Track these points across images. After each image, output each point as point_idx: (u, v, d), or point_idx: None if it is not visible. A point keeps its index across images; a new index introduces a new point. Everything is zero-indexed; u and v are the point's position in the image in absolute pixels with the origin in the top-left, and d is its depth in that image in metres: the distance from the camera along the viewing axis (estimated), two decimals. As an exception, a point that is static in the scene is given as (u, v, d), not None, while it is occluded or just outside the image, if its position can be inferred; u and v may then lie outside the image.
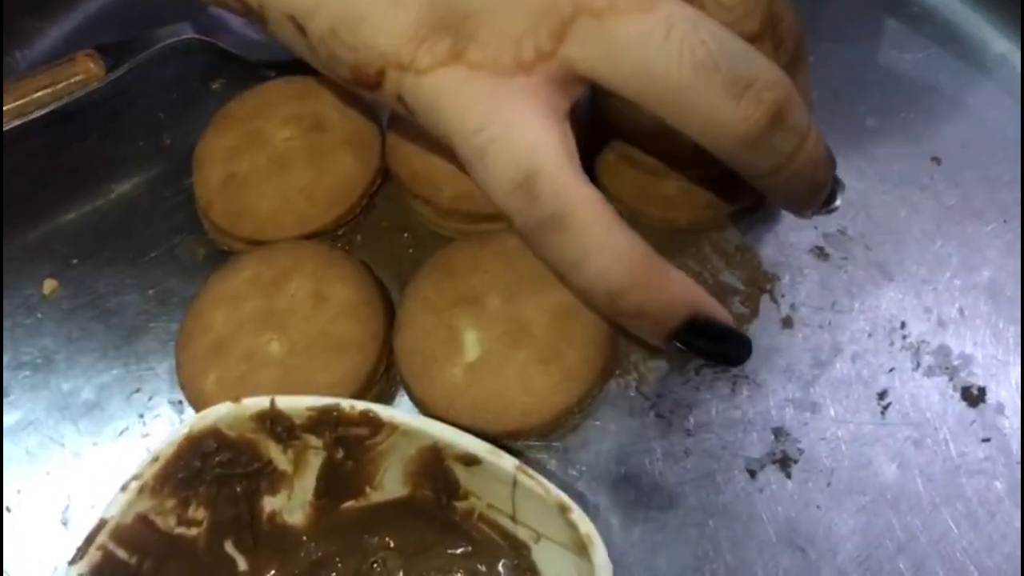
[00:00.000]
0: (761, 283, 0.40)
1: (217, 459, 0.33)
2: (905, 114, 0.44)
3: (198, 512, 0.33)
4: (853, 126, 0.44)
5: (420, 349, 0.37)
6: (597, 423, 0.38)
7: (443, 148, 0.35)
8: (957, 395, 0.38)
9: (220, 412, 0.33)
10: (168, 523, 0.33)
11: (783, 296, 0.40)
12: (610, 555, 0.31)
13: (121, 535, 0.31)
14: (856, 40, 0.47)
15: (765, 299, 0.40)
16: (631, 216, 0.42)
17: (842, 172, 0.42)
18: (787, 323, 0.39)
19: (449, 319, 0.37)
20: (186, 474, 0.33)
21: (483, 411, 0.36)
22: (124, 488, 0.32)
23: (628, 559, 0.35)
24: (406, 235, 0.42)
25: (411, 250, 0.42)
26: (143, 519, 0.32)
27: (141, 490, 0.32)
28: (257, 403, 0.33)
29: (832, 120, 0.44)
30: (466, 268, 0.38)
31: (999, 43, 0.46)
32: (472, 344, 0.36)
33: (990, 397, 0.37)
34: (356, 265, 0.40)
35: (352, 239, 0.42)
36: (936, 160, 0.43)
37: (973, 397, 0.37)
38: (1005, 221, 0.41)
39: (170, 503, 0.32)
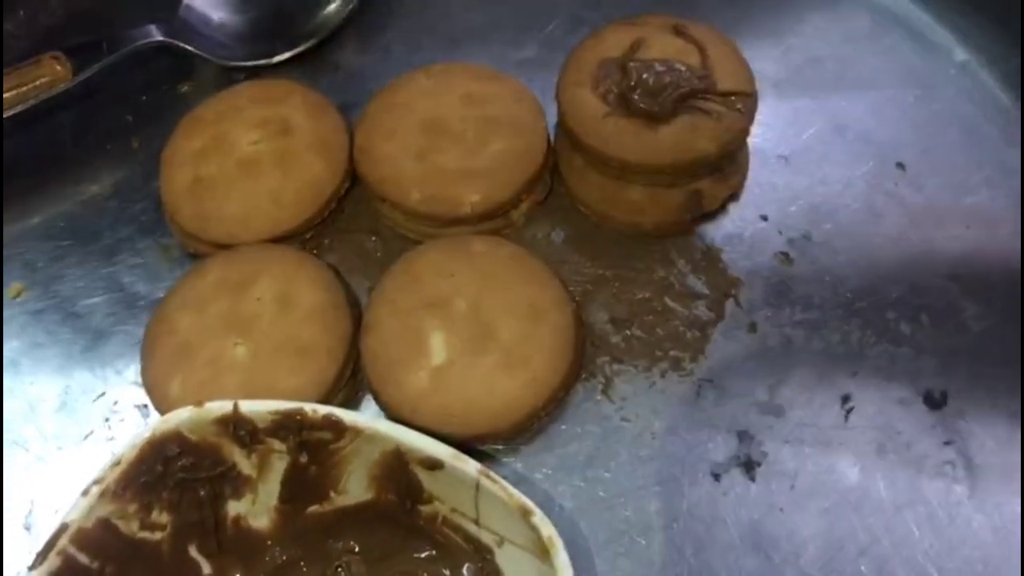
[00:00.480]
0: (726, 288, 0.41)
1: (180, 463, 0.33)
2: (869, 121, 0.45)
3: (161, 516, 0.33)
4: (820, 131, 0.44)
5: (386, 353, 0.37)
6: (563, 427, 0.38)
7: None
8: (919, 399, 0.38)
9: (182, 416, 0.32)
10: (131, 527, 0.32)
11: (748, 301, 0.40)
12: (574, 559, 0.31)
13: (82, 540, 0.31)
14: (824, 44, 0.47)
15: (730, 304, 0.40)
16: (597, 220, 0.42)
17: (808, 179, 0.43)
18: (752, 328, 0.40)
19: (416, 323, 0.37)
20: (149, 478, 0.32)
21: (449, 415, 0.36)
22: (85, 492, 0.31)
23: (592, 563, 0.35)
24: (374, 239, 0.42)
25: (379, 254, 0.42)
26: (105, 523, 0.32)
27: (103, 494, 0.32)
28: (220, 407, 0.33)
29: (798, 123, 0.45)
30: (433, 272, 0.38)
31: (960, 51, 0.46)
32: (438, 348, 0.36)
33: (952, 401, 0.38)
34: (323, 269, 0.40)
35: (320, 243, 0.42)
36: (901, 166, 0.43)
37: (935, 401, 0.38)
38: (968, 227, 0.42)
39: (133, 507, 0.32)
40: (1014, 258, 0.41)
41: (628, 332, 0.40)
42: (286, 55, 0.47)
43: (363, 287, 0.41)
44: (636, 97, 0.40)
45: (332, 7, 0.48)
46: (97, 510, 0.31)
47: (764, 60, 0.45)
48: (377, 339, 0.37)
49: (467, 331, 0.37)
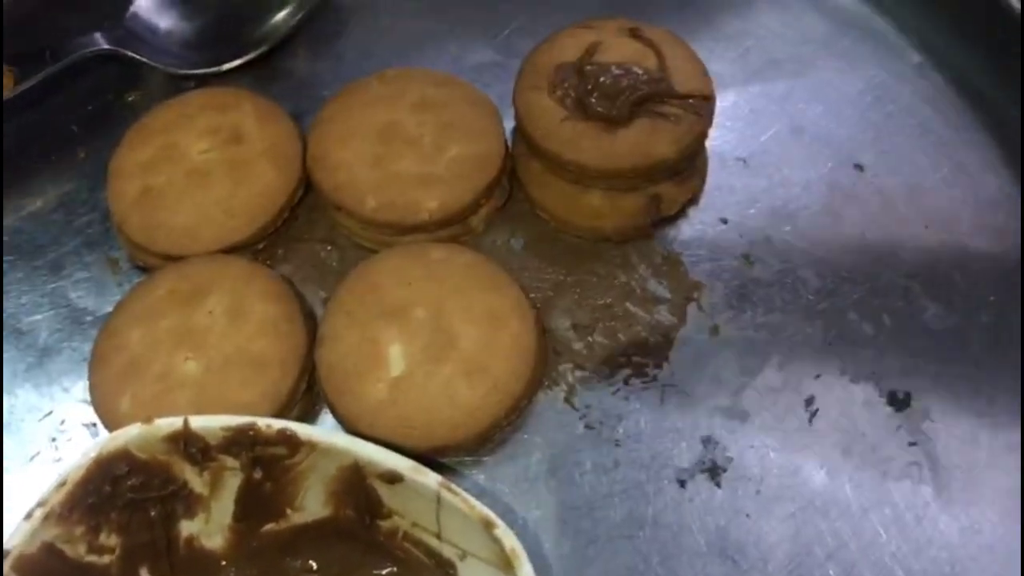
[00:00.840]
0: (688, 292, 0.40)
1: (129, 483, 0.32)
2: (827, 122, 0.44)
3: (110, 539, 0.32)
4: (778, 133, 0.44)
5: (342, 364, 0.36)
6: (525, 436, 0.37)
7: None
8: (883, 400, 0.38)
9: (131, 433, 0.31)
10: (78, 551, 0.31)
11: (710, 304, 0.40)
12: (539, 570, 0.30)
13: (25, 566, 0.30)
14: (781, 47, 0.47)
15: (692, 308, 0.40)
16: (557, 225, 0.42)
17: (767, 181, 0.43)
18: (714, 331, 0.39)
19: (373, 333, 0.36)
20: (96, 499, 0.31)
21: (409, 427, 0.35)
22: (28, 516, 0.30)
23: (557, 573, 0.35)
24: (329, 248, 0.41)
25: (334, 263, 0.41)
26: (49, 548, 0.30)
27: (47, 517, 0.30)
28: (170, 423, 0.31)
29: (756, 125, 0.44)
30: (391, 280, 0.38)
31: (915, 54, 0.46)
32: (396, 358, 0.35)
33: (915, 402, 0.38)
34: (277, 279, 0.39)
35: (273, 253, 0.41)
36: (859, 167, 0.43)
37: (899, 402, 0.38)
38: (927, 227, 0.42)
39: (79, 530, 0.31)
40: (973, 257, 0.41)
41: (590, 338, 0.39)
42: (236, 63, 0.46)
43: (318, 298, 0.40)
44: (593, 101, 0.40)
45: (282, 14, 0.47)
46: (41, 534, 0.30)
47: (722, 62, 0.45)
48: (333, 351, 0.36)
49: (426, 340, 0.36)
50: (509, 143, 0.43)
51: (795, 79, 0.46)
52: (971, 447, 0.37)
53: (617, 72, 0.40)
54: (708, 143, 0.42)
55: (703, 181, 0.43)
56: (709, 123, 0.40)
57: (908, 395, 0.38)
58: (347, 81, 0.43)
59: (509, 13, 0.48)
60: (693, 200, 0.42)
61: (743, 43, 0.47)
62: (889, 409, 0.37)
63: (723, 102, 0.42)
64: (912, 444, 0.37)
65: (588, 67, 0.40)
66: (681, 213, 0.42)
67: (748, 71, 0.46)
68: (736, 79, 0.45)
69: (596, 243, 0.41)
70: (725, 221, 0.42)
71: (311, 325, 0.38)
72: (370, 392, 0.35)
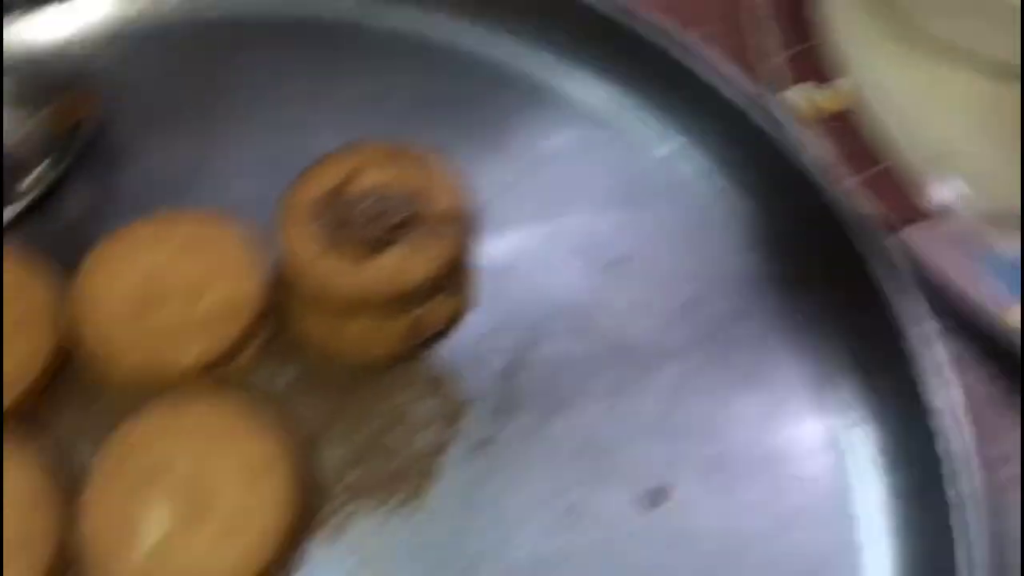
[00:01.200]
0: (458, 408, 0.41)
1: None
2: (588, 221, 0.46)
3: None
4: (540, 239, 0.46)
5: (96, 539, 0.36)
6: (299, 583, 0.38)
7: None
8: (638, 501, 0.39)
9: None
10: None
11: (480, 418, 0.41)
12: None
13: None
14: (538, 155, 0.49)
15: (465, 423, 0.41)
16: (325, 355, 0.43)
17: (532, 288, 0.44)
18: (481, 446, 0.40)
19: (128, 500, 0.36)
20: None
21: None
22: None
23: None
24: (94, 409, 0.41)
25: (105, 421, 0.41)
26: None
27: None
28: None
29: (518, 233, 0.46)
30: (151, 438, 0.38)
31: (664, 146, 0.48)
32: (153, 525, 0.36)
33: (672, 496, 0.39)
34: (26, 452, 0.38)
35: (35, 418, 0.41)
36: (620, 261, 0.45)
37: (657, 498, 0.39)
38: (684, 317, 0.44)
39: None
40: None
41: (361, 469, 0.40)
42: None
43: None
44: (350, 232, 0.41)
45: (46, 163, 0.47)
46: None
47: (480, 175, 0.46)
48: (89, 524, 0.36)
49: (185, 500, 0.36)
50: (277, 275, 0.43)
51: (556, 181, 0.47)
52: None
53: (373, 200, 0.41)
54: (473, 254, 0.44)
55: (468, 295, 0.44)
56: (467, 240, 0.42)
57: (664, 491, 0.39)
58: (120, 225, 0.44)
59: (283, 143, 0.49)
60: (458, 316, 0.44)
61: (501, 154, 0.48)
62: (646, 507, 0.39)
63: (484, 213, 0.43)
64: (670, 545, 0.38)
65: (344, 197, 0.42)
66: (448, 329, 0.43)
67: (506, 182, 0.47)
68: (495, 190, 0.47)
69: (366, 369, 0.42)
70: (493, 332, 0.43)
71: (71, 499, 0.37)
72: (124, 567, 0.35)
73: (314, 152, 0.44)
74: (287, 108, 0.49)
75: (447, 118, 0.49)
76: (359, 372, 0.42)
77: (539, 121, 0.49)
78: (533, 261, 0.45)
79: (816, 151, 0.44)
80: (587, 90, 0.50)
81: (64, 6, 0.52)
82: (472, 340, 0.43)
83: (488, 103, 0.50)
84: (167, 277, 0.41)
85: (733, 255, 0.45)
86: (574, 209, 0.47)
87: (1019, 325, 0.42)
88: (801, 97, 0.47)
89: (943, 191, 0.46)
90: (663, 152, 0.48)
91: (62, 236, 0.46)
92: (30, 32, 0.51)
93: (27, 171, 0.47)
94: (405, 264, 0.40)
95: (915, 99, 0.49)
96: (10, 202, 0.46)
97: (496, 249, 0.45)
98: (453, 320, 0.43)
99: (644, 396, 0.42)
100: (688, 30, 0.49)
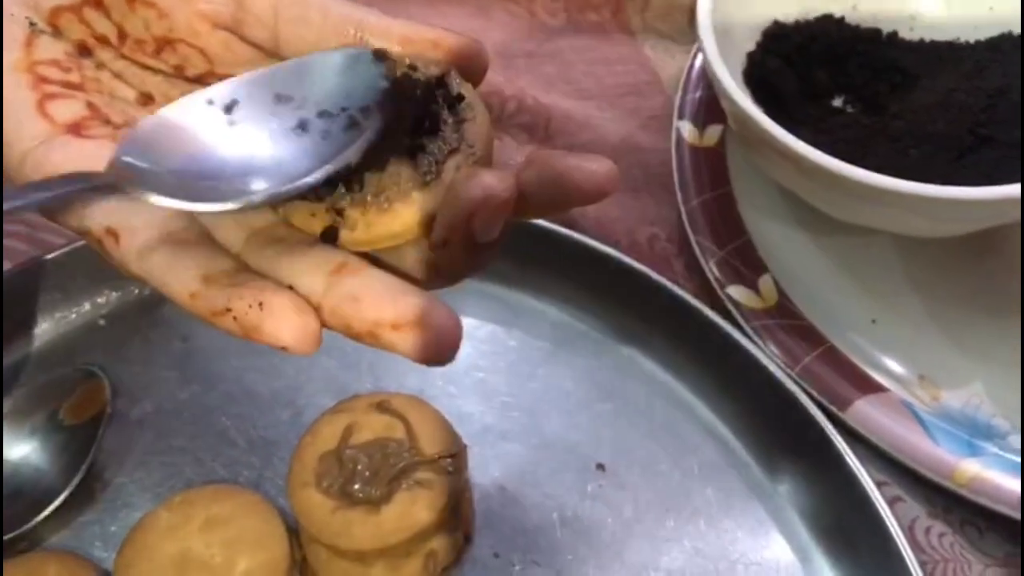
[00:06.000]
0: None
1: None
2: (567, 430, 0.51)
3: None
4: (527, 452, 0.50)
5: None
6: None
7: None
8: None
9: None
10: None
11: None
12: None
13: None
14: (516, 364, 0.54)
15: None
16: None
17: (527, 501, 0.49)
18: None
19: None
20: None
21: None
22: None
23: None
24: None
25: None
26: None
27: None
28: None
29: (508, 447, 0.50)
30: None
31: (624, 348, 0.54)
32: None
33: None
34: None
35: None
36: (601, 467, 0.50)
37: None
38: (667, 509, 0.48)
39: None
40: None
41: None
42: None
43: None
44: (356, 488, 0.45)
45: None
46: None
47: (470, 405, 0.51)
48: None
49: None
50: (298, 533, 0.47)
51: (535, 394, 0.52)
52: None
53: (372, 452, 0.46)
54: (470, 482, 0.48)
55: (472, 523, 0.48)
56: (463, 475, 0.46)
57: None
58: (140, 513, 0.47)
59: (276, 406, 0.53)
60: (467, 542, 0.48)
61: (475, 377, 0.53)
62: None
63: (475, 441, 0.47)
64: None
65: (347, 452, 0.46)
66: (458, 559, 0.47)
67: (487, 395, 0.52)
68: (487, 417, 0.51)
69: (391, 609, 0.46)
70: (497, 555, 0.47)
71: None
72: None
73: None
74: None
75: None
76: (386, 612, 0.46)
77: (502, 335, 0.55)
78: (525, 473, 0.50)
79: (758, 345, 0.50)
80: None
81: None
82: (478, 563, 0.47)
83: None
84: (197, 556, 0.45)
85: (705, 443, 0.50)
86: (556, 417, 0.51)
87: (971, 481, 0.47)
88: (738, 294, 0.52)
89: (879, 361, 0.51)
90: (626, 352, 0.53)
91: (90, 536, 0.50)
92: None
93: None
94: (411, 510, 0.45)
95: (833, 279, 0.54)
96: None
97: (490, 468, 0.50)
98: (463, 548, 0.47)
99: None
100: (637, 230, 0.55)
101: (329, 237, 0.29)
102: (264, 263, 0.28)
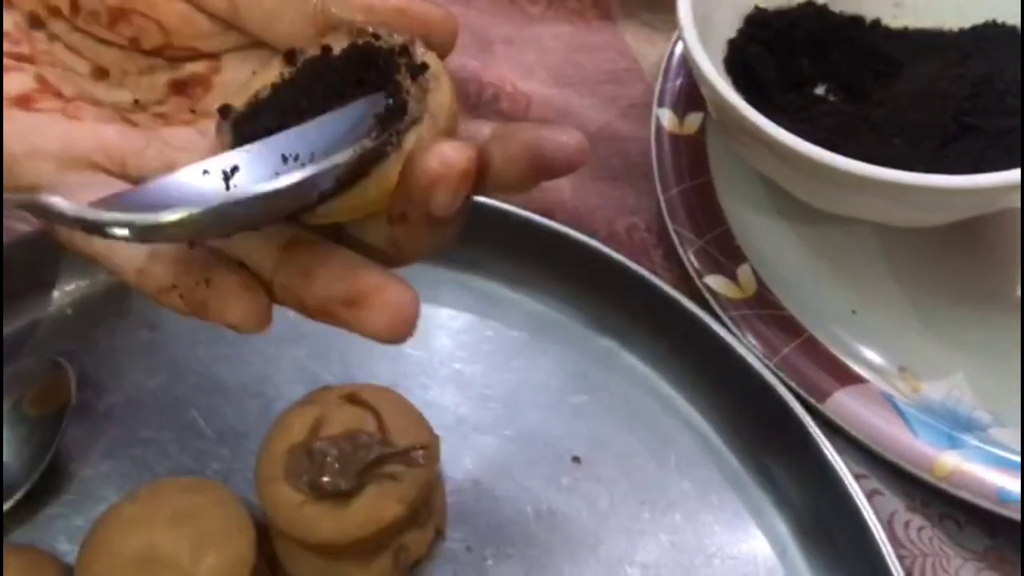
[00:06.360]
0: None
1: None
2: (543, 423, 0.50)
3: None
4: (502, 445, 0.50)
5: None
6: None
7: None
8: None
9: None
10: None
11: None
12: None
13: None
14: (494, 360, 0.53)
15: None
16: (321, 600, 0.46)
17: (500, 494, 0.48)
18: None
19: None
20: None
21: None
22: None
23: None
24: None
25: None
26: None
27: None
28: None
29: (482, 440, 0.50)
30: None
31: (604, 339, 0.53)
32: None
33: None
34: None
35: None
36: (576, 459, 0.49)
37: None
38: (643, 502, 0.47)
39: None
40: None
41: None
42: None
43: None
44: (325, 481, 0.44)
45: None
46: None
47: (445, 396, 0.50)
48: None
49: None
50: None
51: (511, 385, 0.51)
52: None
53: (342, 445, 0.45)
54: (441, 475, 0.47)
55: (444, 515, 0.47)
56: (435, 467, 0.45)
57: None
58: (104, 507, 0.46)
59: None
60: (439, 536, 0.47)
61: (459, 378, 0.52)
62: None
63: (447, 432, 0.46)
64: None
65: (316, 445, 0.45)
66: (429, 553, 0.46)
67: (462, 386, 0.51)
68: (461, 409, 0.50)
69: (360, 605, 0.45)
70: (470, 549, 0.47)
71: None
72: None
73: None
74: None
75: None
76: (354, 608, 0.45)
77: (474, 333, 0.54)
78: (500, 467, 0.49)
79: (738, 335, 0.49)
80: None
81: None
82: (450, 557, 0.46)
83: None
84: (163, 551, 0.44)
85: (684, 435, 0.49)
86: (532, 410, 0.50)
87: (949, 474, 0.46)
88: (716, 284, 0.51)
89: (859, 352, 0.50)
90: (604, 343, 0.53)
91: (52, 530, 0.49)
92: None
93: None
94: (380, 503, 0.43)
95: (812, 269, 0.53)
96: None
97: (463, 464, 0.49)
98: (434, 542, 0.46)
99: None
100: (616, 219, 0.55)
101: None
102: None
